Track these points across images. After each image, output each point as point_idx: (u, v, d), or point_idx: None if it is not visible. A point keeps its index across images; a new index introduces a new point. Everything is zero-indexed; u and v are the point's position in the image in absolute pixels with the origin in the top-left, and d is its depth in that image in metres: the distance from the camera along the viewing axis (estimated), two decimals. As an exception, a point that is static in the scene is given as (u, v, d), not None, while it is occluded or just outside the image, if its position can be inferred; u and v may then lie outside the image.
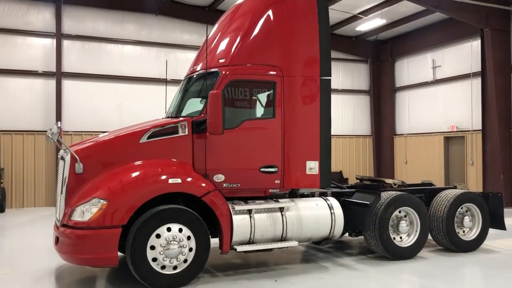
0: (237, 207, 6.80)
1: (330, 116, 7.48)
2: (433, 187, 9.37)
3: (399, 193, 8.17)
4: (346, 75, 21.65)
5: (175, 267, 6.31)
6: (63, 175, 6.47)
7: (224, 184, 6.87)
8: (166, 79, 9.21)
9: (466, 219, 8.64)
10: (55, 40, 16.58)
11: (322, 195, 8.11)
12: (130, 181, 6.27)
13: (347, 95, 21.64)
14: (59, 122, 6.19)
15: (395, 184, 8.93)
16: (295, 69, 7.29)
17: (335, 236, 7.59)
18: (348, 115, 21.65)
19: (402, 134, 20.91)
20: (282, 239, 7.10)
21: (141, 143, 6.59)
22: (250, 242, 6.88)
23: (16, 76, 16.19)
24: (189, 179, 6.54)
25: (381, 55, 21.63)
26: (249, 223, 6.84)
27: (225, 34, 7.50)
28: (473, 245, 8.68)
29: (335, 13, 18.02)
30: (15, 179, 15.88)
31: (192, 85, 7.58)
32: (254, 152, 7.05)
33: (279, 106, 7.18)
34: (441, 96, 18.77)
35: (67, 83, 16.77)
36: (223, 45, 7.37)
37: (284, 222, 7.08)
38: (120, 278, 6.90)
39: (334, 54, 20.92)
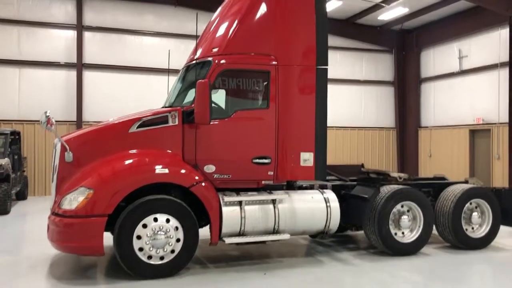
0: (227, 199, 6.71)
1: (326, 106, 7.28)
2: (442, 181, 8.99)
3: (401, 187, 7.88)
4: (369, 65, 21.13)
5: (162, 258, 6.30)
6: (54, 163, 6.55)
7: (215, 175, 6.78)
8: (168, 69, 9.17)
9: (475, 215, 8.26)
10: (76, 32, 16.86)
11: (323, 187, 7.93)
12: (116, 171, 6.28)
13: (370, 86, 21.14)
14: (47, 111, 6.25)
15: (400, 178, 8.61)
16: (290, 58, 7.11)
17: (331, 230, 7.40)
18: (371, 107, 21.16)
19: (427, 127, 20.28)
20: (274, 231, 6.97)
21: (130, 133, 6.58)
22: (240, 234, 6.78)
23: (39, 68, 16.59)
24: (177, 169, 6.50)
25: (406, 45, 20.98)
26: (239, 215, 6.74)
27: (221, 22, 7.39)
28: (482, 243, 8.30)
29: (357, 2, 17.61)
30: (37, 168, 16.32)
31: (189, 74, 7.51)
32: (247, 143, 6.93)
33: (273, 96, 7.01)
34: (467, 88, 18.06)
35: (87, 74, 17.06)
36: (217, 34, 7.27)
37: (276, 215, 6.94)
38: (118, 268, 6.94)
39: (356, 44, 20.62)
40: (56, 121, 5.96)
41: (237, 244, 7.02)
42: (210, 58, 6.96)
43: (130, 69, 17.43)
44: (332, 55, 20.19)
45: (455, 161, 18.38)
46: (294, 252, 8.07)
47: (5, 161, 12.16)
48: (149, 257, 6.24)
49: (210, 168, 6.76)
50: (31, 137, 16.30)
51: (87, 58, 17.06)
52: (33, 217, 11.88)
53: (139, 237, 6.19)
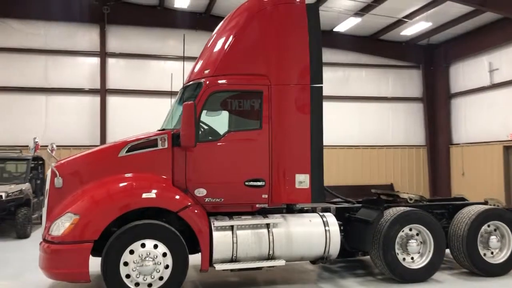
0: (217, 223, 6.50)
1: (322, 126, 6.97)
2: (457, 202, 8.43)
3: (407, 209, 7.43)
4: (396, 82, 20.61)
5: (150, 285, 6.12)
6: (45, 189, 6.57)
7: (207, 199, 6.60)
8: (171, 91, 9.16)
9: (493, 239, 7.66)
10: (100, 59, 17.34)
11: (326, 210, 7.59)
12: (102, 196, 6.21)
13: (398, 103, 20.58)
14: (36, 138, 6.31)
15: (411, 199, 8.16)
16: (283, 77, 6.90)
17: (331, 255, 7.02)
18: (399, 124, 20.55)
19: (459, 144, 19.44)
20: (269, 257, 6.67)
21: (119, 157, 6.52)
22: (233, 260, 6.53)
23: (65, 94, 17.15)
24: (164, 194, 6.36)
25: (434, 60, 20.37)
26: (231, 240, 6.50)
27: (214, 42, 7.30)
28: (502, 269, 7.66)
29: (378, 18, 17.30)
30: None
31: (184, 96, 7.43)
32: (239, 165, 6.73)
33: (266, 117, 6.81)
34: (499, 102, 17.24)
35: (111, 99, 17.46)
36: (210, 55, 7.18)
37: (271, 240, 6.65)
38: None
39: (382, 61, 20.19)
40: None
41: (231, 270, 6.78)
42: (202, 80, 6.87)
43: (153, 93, 17.69)
44: (357, 73, 20.13)
45: (489, 179, 17.44)
46: (296, 279, 7.71)
47: (26, 186, 12.46)
48: (137, 284, 6.08)
49: (201, 192, 6.59)
50: (57, 162, 16.67)
51: (111, 84, 17.47)
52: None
53: (126, 264, 6.05)
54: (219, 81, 6.78)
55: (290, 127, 6.87)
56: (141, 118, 17.42)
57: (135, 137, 6.77)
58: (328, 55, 19.61)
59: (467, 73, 19.01)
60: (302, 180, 6.83)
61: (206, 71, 6.94)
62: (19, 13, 16.73)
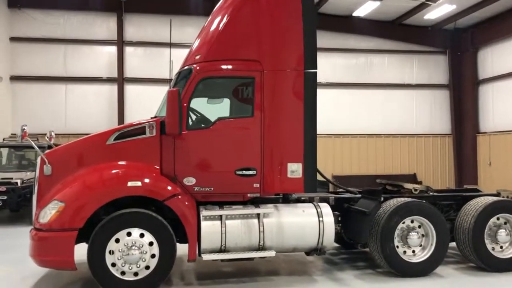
0: (206, 213, 6.36)
1: (316, 113, 6.70)
2: (466, 193, 8.00)
3: (407, 200, 7.09)
4: (421, 68, 19.90)
5: (136, 274, 6.06)
6: (35, 177, 6.59)
7: (196, 188, 6.46)
8: (170, 78, 9.03)
9: (502, 233, 7.23)
10: (117, 47, 17.44)
11: (324, 200, 7.34)
12: (87, 184, 6.17)
13: (423, 90, 19.89)
14: (24, 125, 6.29)
15: (415, 190, 7.76)
16: (276, 62, 6.64)
17: (325, 246, 6.77)
18: (424, 112, 19.88)
19: (486, 132, 18.64)
20: (260, 248, 6.50)
21: (107, 145, 6.44)
22: (222, 250, 6.39)
23: (84, 83, 17.36)
24: (150, 182, 6.25)
25: (461, 45, 19.51)
26: (220, 230, 6.36)
27: (207, 28, 7.10)
28: (511, 265, 7.25)
29: (399, 1, 16.68)
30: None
31: (177, 83, 7.29)
32: (229, 154, 6.55)
33: (258, 104, 6.58)
34: (529, 88, 16.37)
35: (128, 88, 17.58)
36: (202, 40, 6.99)
37: (261, 230, 6.47)
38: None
39: (406, 47, 19.53)
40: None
41: (221, 260, 6.66)
42: (192, 66, 6.71)
43: (170, 81, 17.63)
44: (381, 59, 19.52)
45: (517, 170, 16.67)
46: (292, 270, 7.51)
47: (39, 173, 12.67)
48: (123, 272, 6.03)
49: (190, 181, 6.45)
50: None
51: (128, 72, 17.57)
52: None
53: (111, 252, 6.00)
54: (209, 67, 6.59)
55: (282, 115, 6.62)
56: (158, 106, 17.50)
57: (125, 125, 6.68)
58: (350, 41, 19.21)
59: (495, 58, 18.13)
60: (295, 169, 6.60)
61: (197, 57, 6.76)
62: (40, 3, 17.02)
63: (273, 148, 6.59)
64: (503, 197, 7.92)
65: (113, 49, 17.57)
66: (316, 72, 6.71)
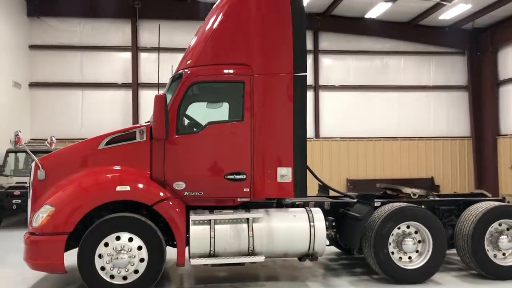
0: (194, 217, 6.37)
1: (306, 117, 6.64)
2: (468, 198, 7.76)
3: (403, 205, 6.93)
4: (438, 69, 19.47)
5: (125, 278, 6.12)
6: (29, 181, 6.73)
7: (186, 192, 6.49)
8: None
9: (504, 239, 6.98)
10: (131, 53, 17.71)
11: (319, 205, 7.25)
12: (77, 189, 6.26)
13: (440, 91, 19.46)
14: (18, 131, 6.44)
15: (414, 194, 7.57)
16: (265, 66, 6.62)
17: (316, 252, 6.68)
18: (442, 114, 19.43)
19: (507, 135, 18.06)
20: (250, 253, 6.46)
21: (99, 150, 6.54)
22: (211, 255, 6.38)
23: (100, 89, 17.70)
24: (139, 187, 6.32)
25: (480, 45, 18.99)
26: (209, 235, 6.35)
27: (199, 32, 7.15)
28: (512, 272, 6.99)
29: (413, 2, 16.38)
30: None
31: (170, 88, 7.35)
32: (219, 158, 6.55)
33: (248, 108, 6.57)
34: (550, 89, 15.80)
35: (143, 93, 17.79)
36: (193, 45, 7.03)
37: (251, 235, 6.43)
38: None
39: (422, 48, 19.17)
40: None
41: (212, 265, 6.66)
42: (183, 71, 6.75)
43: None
44: (396, 61, 19.22)
45: (539, 173, 16.10)
46: (286, 275, 7.43)
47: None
48: (112, 276, 6.09)
49: (180, 185, 6.48)
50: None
51: (143, 78, 17.80)
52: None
53: (100, 256, 6.08)
54: (199, 72, 6.62)
55: (272, 118, 6.60)
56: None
57: (116, 130, 6.77)
58: (365, 43, 18.97)
59: (516, 58, 17.60)
60: (284, 174, 6.56)
61: (188, 62, 6.81)
62: (57, 11, 17.43)
63: (263, 152, 6.56)
64: (508, 202, 7.67)
65: (128, 55, 17.85)
66: (305, 76, 6.66)
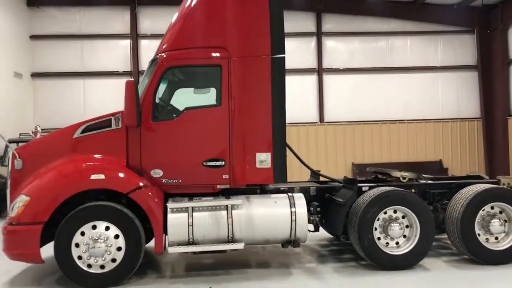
0: (172, 205, 6.25)
1: (284, 101, 6.42)
2: (460, 181, 7.48)
3: (388, 189, 6.70)
4: (446, 49, 18.89)
5: (102, 266, 6.06)
6: (8, 171, 6.69)
7: (164, 180, 6.37)
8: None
9: (495, 223, 6.72)
10: (131, 41, 17.59)
11: (305, 190, 7.08)
12: (51, 178, 6.17)
13: (449, 72, 18.89)
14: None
15: (404, 178, 7.32)
16: (242, 48, 6.41)
17: (299, 238, 6.50)
18: (451, 96, 18.89)
19: (517, 115, 17.53)
20: (229, 240, 6.33)
21: (74, 138, 6.45)
22: (190, 242, 6.26)
23: (101, 78, 17.62)
24: (114, 175, 6.21)
25: (490, 23, 18.32)
26: (187, 222, 6.23)
27: (177, 16, 6.95)
28: (506, 257, 6.73)
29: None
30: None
31: (147, 73, 7.19)
32: (197, 144, 6.40)
33: (225, 92, 6.38)
34: (561, 66, 15.19)
35: (144, 81, 17.66)
36: (170, 29, 6.85)
37: (230, 222, 6.29)
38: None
39: (429, 27, 18.60)
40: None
41: (194, 253, 6.56)
42: (158, 55, 6.58)
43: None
44: (402, 41, 18.69)
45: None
46: (271, 262, 7.29)
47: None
48: (89, 265, 6.03)
49: (157, 173, 6.37)
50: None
51: (144, 65, 17.64)
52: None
53: (77, 245, 6.02)
54: (175, 56, 6.45)
55: (250, 102, 6.42)
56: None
57: (92, 118, 6.66)
58: (369, 23, 18.49)
59: (527, 35, 16.97)
60: (263, 159, 6.38)
61: (164, 46, 6.64)
62: (57, 0, 17.35)
63: (241, 137, 6.40)
64: (503, 184, 7.40)
65: (128, 42, 17.73)
66: (284, 57, 6.43)
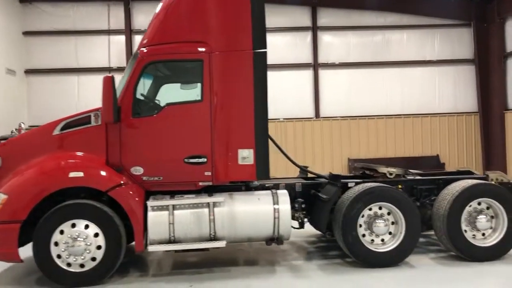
0: (152, 203, 6.16)
1: (267, 96, 6.31)
2: (448, 177, 7.36)
3: (373, 185, 6.59)
4: (443, 43, 18.71)
5: (82, 265, 5.98)
6: (-12, 170, 6.60)
7: (144, 177, 6.28)
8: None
9: (482, 219, 6.62)
10: (125, 37, 17.48)
11: (290, 187, 6.98)
12: (29, 176, 6.09)
13: (446, 66, 18.72)
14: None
15: (390, 174, 7.21)
16: (224, 43, 6.30)
17: (282, 235, 6.40)
18: (448, 90, 18.73)
19: (514, 109, 17.36)
20: (212, 238, 6.24)
21: (54, 135, 6.35)
22: (171, 241, 6.18)
23: (95, 73, 17.39)
24: (93, 172, 6.12)
25: (487, 16, 18.12)
26: (167, 220, 6.14)
27: (158, 11, 6.83)
28: (492, 254, 6.63)
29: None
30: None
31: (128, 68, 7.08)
32: (178, 141, 6.30)
33: (207, 87, 6.28)
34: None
35: (138, 77, 17.55)
36: (151, 23, 6.73)
37: (211, 219, 6.20)
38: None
39: (426, 21, 18.43)
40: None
41: (176, 251, 6.48)
42: (139, 50, 6.48)
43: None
44: (398, 35, 18.52)
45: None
46: (256, 259, 7.21)
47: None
48: (68, 264, 5.96)
49: (137, 170, 6.27)
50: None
51: (138, 61, 17.56)
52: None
53: (56, 244, 5.94)
54: (155, 51, 6.34)
55: (231, 98, 6.32)
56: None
57: (71, 115, 6.57)
58: (365, 17, 18.33)
59: (525, 28, 16.78)
60: (246, 156, 6.28)
61: (145, 41, 6.53)
62: (50, -4, 17.27)
63: (223, 134, 6.30)
64: (491, 180, 7.27)
65: (122, 38, 17.62)
66: (265, 52, 6.32)
